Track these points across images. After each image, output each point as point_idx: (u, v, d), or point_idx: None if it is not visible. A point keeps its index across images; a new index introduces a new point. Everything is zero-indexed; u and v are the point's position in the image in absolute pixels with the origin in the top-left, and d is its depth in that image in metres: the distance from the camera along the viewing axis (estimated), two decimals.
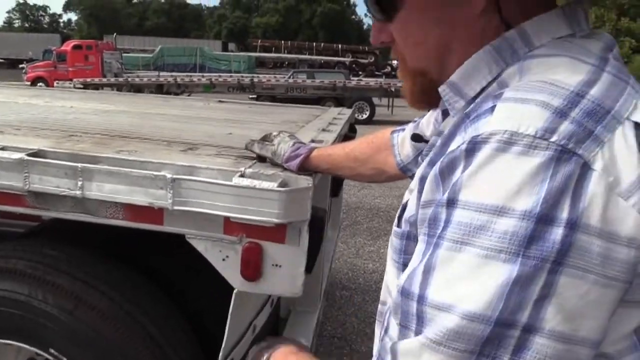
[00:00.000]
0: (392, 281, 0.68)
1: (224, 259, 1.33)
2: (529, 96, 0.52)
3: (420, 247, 0.55)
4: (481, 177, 0.50)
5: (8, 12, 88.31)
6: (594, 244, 0.47)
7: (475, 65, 0.62)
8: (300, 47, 38.82)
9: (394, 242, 0.68)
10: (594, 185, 0.47)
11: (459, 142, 0.54)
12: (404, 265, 0.61)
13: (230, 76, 17.81)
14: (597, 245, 0.47)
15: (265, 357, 0.97)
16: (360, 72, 27.91)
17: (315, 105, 5.06)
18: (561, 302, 0.47)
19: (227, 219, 1.27)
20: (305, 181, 1.28)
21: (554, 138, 0.48)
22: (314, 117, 2.94)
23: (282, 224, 1.25)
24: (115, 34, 30.13)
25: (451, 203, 0.51)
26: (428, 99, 0.71)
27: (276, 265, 1.31)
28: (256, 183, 1.22)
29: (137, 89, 14.94)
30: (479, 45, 0.61)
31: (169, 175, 1.24)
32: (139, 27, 61.87)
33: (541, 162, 0.48)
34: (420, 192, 0.60)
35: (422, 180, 0.60)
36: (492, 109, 0.53)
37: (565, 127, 0.49)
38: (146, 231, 1.35)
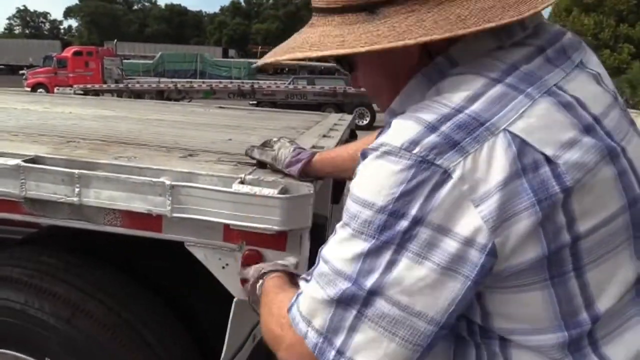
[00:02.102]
0: None
1: (223, 267, 1.30)
2: (414, 113, 0.63)
3: None
4: (360, 177, 0.65)
5: (8, 18, 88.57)
6: (436, 238, 0.58)
7: (408, 92, 0.72)
8: None
9: None
10: (447, 191, 0.58)
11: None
12: None
13: (231, 82, 17.82)
14: (438, 239, 0.58)
15: (259, 283, 0.99)
16: None
17: (316, 112, 5.05)
18: (400, 277, 0.60)
19: (226, 226, 1.25)
20: (306, 188, 1.26)
21: (415, 150, 0.59)
22: (314, 123, 2.93)
23: (282, 232, 1.23)
24: (115, 40, 30.23)
25: (349, 194, 0.67)
26: None
27: None
28: (256, 190, 1.20)
29: (138, 95, 14.93)
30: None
31: (167, 182, 1.22)
32: (140, 34, 62.05)
33: (401, 169, 0.59)
34: None
35: None
36: (388, 126, 0.66)
37: (430, 140, 0.59)
38: (144, 238, 1.33)
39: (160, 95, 15.30)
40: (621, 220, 0.64)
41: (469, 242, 0.58)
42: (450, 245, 0.59)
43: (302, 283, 0.74)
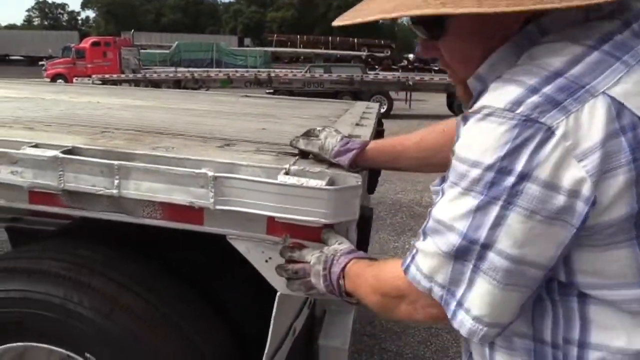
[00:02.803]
0: None
1: (266, 261, 1.26)
2: (513, 77, 0.66)
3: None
4: (464, 139, 0.69)
5: (27, 10, 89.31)
6: (541, 192, 0.62)
7: (497, 58, 0.74)
8: (316, 42, 38.62)
9: (433, 198, 0.84)
10: (552, 147, 0.61)
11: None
12: None
13: (247, 71, 17.74)
14: (544, 193, 0.62)
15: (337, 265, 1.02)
16: (376, 66, 27.69)
17: (338, 100, 4.98)
18: (509, 231, 0.64)
19: (270, 218, 1.21)
20: (354, 179, 1.21)
21: (519, 110, 0.62)
22: (343, 111, 2.87)
23: (329, 224, 1.18)
24: (132, 30, 30.26)
25: (453, 153, 0.71)
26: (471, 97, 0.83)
27: None
28: (303, 181, 1.15)
29: (155, 84, 14.95)
30: None
31: (210, 173, 1.18)
32: (156, 24, 62.16)
33: (505, 129, 0.63)
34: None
35: None
36: (486, 90, 0.69)
37: (532, 100, 0.62)
38: (178, 230, 1.29)
39: (178, 84, 15.32)
40: None
41: (574, 194, 0.61)
42: (556, 198, 0.62)
43: (418, 244, 0.78)
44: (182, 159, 1.25)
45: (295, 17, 54.67)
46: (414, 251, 0.78)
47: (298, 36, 39.68)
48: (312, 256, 1.10)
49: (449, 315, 0.72)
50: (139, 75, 16.82)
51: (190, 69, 19.25)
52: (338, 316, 2.09)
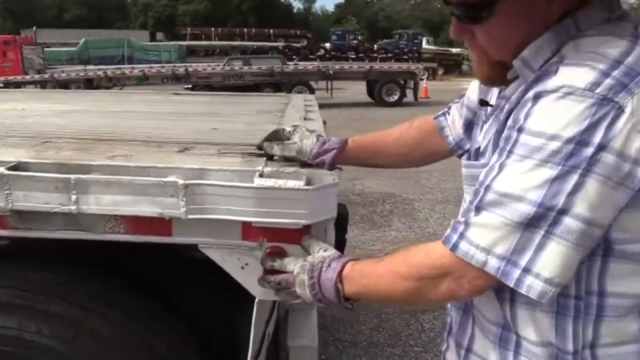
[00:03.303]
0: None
1: (242, 267, 1.21)
2: (582, 62, 0.74)
3: (495, 156, 0.81)
4: (541, 114, 0.74)
5: None
6: (615, 160, 0.71)
7: (541, 45, 0.81)
8: (231, 34, 37.91)
9: (476, 172, 0.88)
10: (623, 123, 0.70)
11: (532, 93, 0.76)
12: None
13: (163, 67, 17.09)
14: (617, 162, 0.71)
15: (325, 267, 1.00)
16: (294, 57, 27.60)
17: (254, 93, 4.91)
18: (585, 196, 0.71)
19: (246, 223, 1.16)
20: (330, 177, 1.18)
21: (598, 90, 0.71)
22: (283, 105, 2.82)
23: (307, 225, 1.15)
24: (35, 27, 28.31)
25: (520, 129, 0.76)
26: (501, 80, 0.91)
27: None
28: (281, 183, 1.11)
29: (64, 85, 14.06)
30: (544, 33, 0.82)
31: (180, 181, 1.11)
32: (58, 20, 58.43)
33: (586, 106, 0.71)
34: (500, 132, 0.84)
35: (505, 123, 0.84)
36: (556, 71, 0.75)
37: (607, 82, 0.71)
38: (144, 243, 1.21)
39: (89, 84, 14.54)
40: None
41: (637, 161, 0.71)
42: (625, 166, 0.71)
43: (472, 219, 0.79)
44: (146, 167, 1.16)
45: (209, 10, 53.36)
46: (461, 227, 0.80)
47: (212, 29, 38.74)
48: (295, 265, 1.05)
49: (512, 284, 0.76)
50: (45, 76, 15.74)
51: (102, 67, 18.31)
52: (301, 314, 2.06)
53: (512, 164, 0.75)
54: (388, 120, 12.02)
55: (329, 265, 0.99)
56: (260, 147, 1.29)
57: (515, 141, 0.76)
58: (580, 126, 0.70)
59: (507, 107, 0.86)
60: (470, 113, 1.15)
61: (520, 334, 0.90)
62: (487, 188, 0.78)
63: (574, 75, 0.73)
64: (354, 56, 30.41)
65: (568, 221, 0.72)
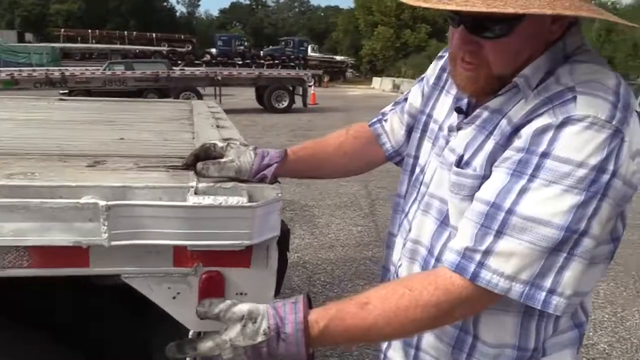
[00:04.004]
0: (454, 213, 0.90)
1: (174, 297, 1.07)
2: (596, 92, 0.79)
3: (504, 176, 0.80)
4: (570, 142, 0.76)
5: None
6: (621, 185, 0.77)
7: (540, 64, 0.85)
8: (110, 37, 35.78)
9: (465, 181, 0.88)
10: (625, 151, 0.77)
11: (551, 117, 0.78)
12: (472, 196, 0.84)
13: (34, 70, 15.66)
14: (622, 186, 0.78)
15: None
16: (179, 62, 26.75)
17: (138, 98, 4.60)
18: (600, 217, 0.77)
19: (178, 248, 1.02)
20: (273, 191, 1.07)
21: (614, 122, 0.77)
22: (187, 112, 2.65)
23: (249, 246, 1.04)
24: None
25: (545, 155, 0.77)
26: (488, 92, 0.89)
27: (241, 293, 1.10)
28: (221, 200, 0.99)
29: None
30: (541, 53, 0.85)
31: (102, 203, 0.94)
32: None
33: (606, 136, 0.76)
34: (504, 146, 0.83)
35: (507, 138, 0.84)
36: (574, 99, 0.79)
37: (618, 114, 0.78)
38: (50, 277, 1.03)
39: None
40: None
41: (630, 184, 0.79)
42: (625, 189, 0.78)
43: (494, 247, 0.78)
44: (56, 187, 0.98)
45: (84, 10, 50.04)
46: (477, 256, 0.79)
47: (89, 31, 36.37)
48: (220, 350, 0.81)
49: (538, 305, 0.78)
50: None
51: None
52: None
53: (537, 189, 0.77)
54: (280, 126, 11.99)
55: (282, 339, 0.80)
56: (188, 166, 1.12)
57: (539, 166, 0.77)
58: (602, 155, 0.76)
59: (504, 121, 0.85)
60: (412, 119, 1.13)
61: (478, 337, 0.91)
62: (510, 212, 0.77)
63: (595, 105, 0.78)
64: (240, 62, 30.19)
65: (586, 242, 0.77)
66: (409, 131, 1.13)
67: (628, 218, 0.91)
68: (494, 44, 0.83)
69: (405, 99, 1.17)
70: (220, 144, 1.12)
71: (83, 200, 0.95)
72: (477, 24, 0.82)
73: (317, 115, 14.98)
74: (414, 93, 1.14)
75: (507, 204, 0.78)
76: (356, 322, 0.81)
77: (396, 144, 1.18)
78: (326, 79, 30.71)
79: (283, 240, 1.14)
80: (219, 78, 15.31)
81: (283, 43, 36.33)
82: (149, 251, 1.01)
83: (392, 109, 1.20)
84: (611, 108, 0.78)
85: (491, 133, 0.87)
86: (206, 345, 0.81)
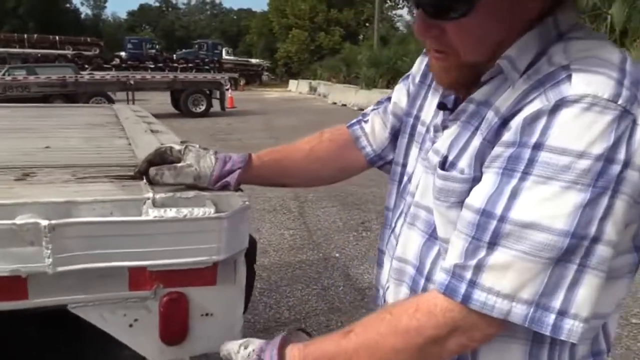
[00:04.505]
0: (442, 224, 0.77)
1: (131, 325, 0.94)
2: (595, 69, 0.66)
3: (494, 177, 0.67)
4: (567, 128, 0.64)
5: None
6: (636, 177, 0.64)
7: (526, 44, 0.73)
8: (8, 40, 33.20)
9: (453, 186, 0.75)
10: (638, 135, 0.64)
11: (543, 101, 0.66)
12: (462, 203, 0.72)
13: None
14: (638, 178, 0.64)
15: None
16: (86, 66, 25.35)
17: (44, 104, 4.26)
18: (615, 219, 0.63)
19: (135, 269, 0.89)
20: (239, 199, 0.97)
21: (620, 101, 0.64)
22: (112, 116, 2.46)
23: (217, 261, 0.93)
24: None
25: (537, 146, 0.64)
26: (465, 82, 0.79)
27: (207, 314, 0.98)
28: (186, 212, 0.87)
29: None
30: (521, 34, 0.73)
31: (44, 222, 0.80)
32: None
33: (612, 119, 0.63)
34: (492, 142, 0.71)
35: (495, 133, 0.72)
36: (569, 77, 0.66)
37: (625, 93, 0.64)
38: None
39: None
40: None
41: None
42: None
43: (486, 260, 0.66)
44: None
45: None
46: (468, 273, 0.66)
47: None
48: None
49: (548, 331, 0.64)
50: None
51: None
52: None
53: (532, 188, 0.64)
54: (198, 131, 11.64)
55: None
56: (142, 173, 0.98)
57: (532, 160, 0.64)
58: (608, 141, 0.62)
59: (490, 113, 0.73)
60: (397, 121, 1.02)
61: None
62: (503, 219, 0.65)
63: (594, 83, 0.65)
64: (152, 66, 29.15)
65: (601, 250, 0.63)
66: (394, 134, 1.04)
67: None
68: (455, 26, 0.73)
69: (389, 99, 1.06)
70: (177, 147, 1.00)
71: (20, 220, 0.80)
72: (434, 5, 0.73)
73: (236, 118, 14.75)
74: (399, 92, 1.03)
75: (498, 210, 0.65)
76: (338, 351, 0.73)
77: (378, 147, 1.07)
78: (242, 82, 30.41)
79: (250, 252, 1.03)
80: (132, 82, 14.67)
81: (196, 46, 35.49)
82: (101, 275, 0.87)
83: (374, 109, 1.10)
84: (615, 85, 0.65)
85: (477, 128, 0.75)
86: None
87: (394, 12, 40.87)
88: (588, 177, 0.62)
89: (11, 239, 0.79)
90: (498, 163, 0.68)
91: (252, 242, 1.04)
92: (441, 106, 0.87)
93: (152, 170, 0.96)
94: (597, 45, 0.71)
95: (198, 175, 0.97)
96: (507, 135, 0.68)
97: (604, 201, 0.63)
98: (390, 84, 18.41)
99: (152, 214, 0.86)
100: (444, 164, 0.78)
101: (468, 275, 0.66)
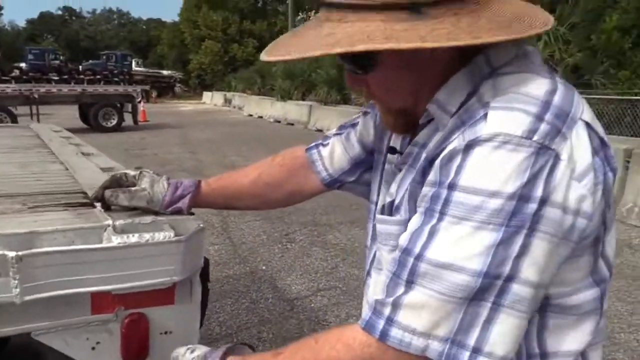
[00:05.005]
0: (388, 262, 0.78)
1: (93, 348, 0.98)
2: (512, 105, 0.67)
3: (419, 217, 0.69)
4: (479, 168, 0.64)
5: None
6: (559, 215, 0.63)
7: (455, 86, 0.74)
8: None
9: (391, 229, 0.80)
10: (561, 172, 0.64)
11: (460, 141, 0.67)
12: None
13: None
14: (561, 216, 0.63)
15: None
16: None
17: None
18: (533, 258, 0.63)
19: (97, 294, 0.94)
20: (195, 223, 1.04)
21: (535, 137, 0.64)
22: (33, 137, 2.40)
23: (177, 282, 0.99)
24: None
25: (452, 186, 0.65)
26: (407, 126, 0.83)
27: (166, 332, 1.04)
28: (147, 237, 0.94)
29: None
30: (442, 78, 0.74)
31: (10, 254, 0.83)
32: None
33: (525, 156, 0.63)
34: (420, 183, 0.73)
35: (422, 174, 0.74)
36: (485, 116, 0.67)
37: (543, 127, 0.64)
38: None
39: None
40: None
41: (578, 212, 0.65)
42: (568, 219, 0.64)
43: (402, 299, 0.66)
44: None
45: None
46: (387, 310, 0.67)
47: None
48: None
49: None
50: None
51: None
52: None
53: (447, 228, 0.65)
54: (111, 146, 11.16)
55: None
56: (98, 198, 1.04)
57: (447, 200, 0.65)
58: (522, 179, 0.62)
59: (424, 155, 0.76)
60: (363, 152, 1.04)
61: None
62: (419, 258, 0.66)
63: (508, 121, 0.65)
64: (57, 78, 27.61)
65: (516, 288, 0.63)
66: (356, 162, 1.06)
67: None
68: (372, 79, 0.77)
69: (353, 125, 1.07)
70: (132, 173, 1.06)
71: None
72: (349, 61, 0.77)
73: (150, 132, 14.35)
74: (366, 124, 1.03)
75: (417, 249, 0.66)
76: None
77: (335, 172, 1.08)
78: (154, 94, 29.56)
79: (204, 271, 1.10)
80: (36, 96, 13.86)
81: (104, 57, 33.99)
82: (65, 302, 0.91)
83: (336, 134, 1.10)
84: (532, 121, 0.65)
85: (415, 170, 0.78)
86: None
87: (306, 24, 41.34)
88: (500, 216, 0.62)
89: None
90: (424, 202, 0.69)
91: (206, 262, 1.11)
92: (391, 150, 0.91)
93: (107, 192, 1.02)
94: (525, 79, 0.70)
95: (151, 199, 1.03)
96: (430, 175, 0.70)
97: (519, 240, 0.63)
98: (305, 95, 18.67)
99: (116, 240, 0.91)
100: (391, 208, 0.82)
101: (386, 312, 0.67)
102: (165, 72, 40.40)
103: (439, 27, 0.66)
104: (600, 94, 10.67)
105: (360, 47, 0.65)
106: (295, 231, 5.23)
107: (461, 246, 0.63)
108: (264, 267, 4.33)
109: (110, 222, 0.96)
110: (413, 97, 0.78)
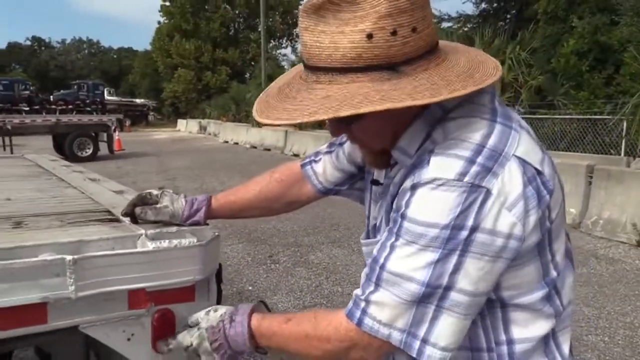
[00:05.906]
0: None
1: (129, 339, 1.15)
2: (449, 151, 0.81)
3: (386, 234, 0.86)
4: (420, 205, 0.81)
5: None
6: (488, 238, 0.78)
7: (413, 132, 0.89)
8: None
9: (373, 250, 0.91)
10: (491, 204, 0.78)
11: (410, 181, 0.84)
12: None
13: None
14: (490, 239, 0.79)
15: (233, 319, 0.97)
16: None
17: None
18: (466, 273, 0.80)
19: (133, 291, 1.12)
20: (210, 231, 1.23)
21: (465, 179, 0.78)
22: (35, 166, 2.55)
23: (199, 280, 1.18)
24: None
25: (403, 216, 0.82)
26: (386, 163, 0.98)
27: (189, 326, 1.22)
28: (175, 242, 1.13)
29: None
30: (411, 119, 0.89)
31: (68, 257, 1.01)
32: None
33: (457, 194, 0.78)
34: (391, 209, 0.92)
35: (392, 204, 0.92)
36: (428, 162, 0.82)
37: (473, 170, 0.78)
38: None
39: None
40: (562, 209, 0.90)
41: (509, 236, 0.80)
42: (497, 241, 0.79)
43: (371, 297, 0.84)
44: (12, 248, 1.02)
45: None
46: (362, 304, 0.85)
47: None
48: (192, 338, 1.01)
49: (414, 354, 0.82)
50: None
51: None
52: None
53: (400, 247, 0.82)
54: None
55: (233, 320, 0.97)
56: (127, 214, 1.22)
57: (401, 226, 0.82)
58: (454, 213, 0.78)
59: (391, 189, 0.94)
60: (355, 168, 1.18)
61: None
62: (382, 267, 0.83)
63: (444, 166, 0.80)
64: (27, 108, 27.42)
65: (454, 296, 0.80)
66: (349, 175, 1.19)
67: None
68: (356, 128, 0.89)
69: (340, 144, 1.19)
70: (155, 192, 1.24)
71: (50, 256, 1.00)
72: (339, 119, 0.83)
73: (127, 161, 14.34)
74: (354, 147, 1.13)
75: (381, 259, 0.83)
76: (280, 332, 0.94)
77: (329, 184, 1.23)
78: (127, 123, 29.47)
79: (218, 274, 1.29)
80: (9, 127, 13.78)
81: (76, 86, 33.82)
82: (107, 298, 1.09)
83: (326, 152, 1.23)
84: (464, 165, 0.79)
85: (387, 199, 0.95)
86: (182, 334, 1.03)
87: (278, 51, 41.91)
88: (437, 242, 0.79)
89: (42, 272, 1.00)
90: (390, 223, 0.87)
91: (220, 266, 1.30)
92: (374, 182, 1.05)
93: (138, 209, 1.21)
94: (466, 124, 0.84)
95: (173, 214, 1.22)
96: (394, 203, 0.89)
97: (453, 259, 0.79)
98: None
99: (151, 245, 1.10)
100: (375, 231, 1.00)
101: (362, 304, 0.85)
102: (138, 101, 40.36)
103: (418, 84, 0.79)
104: (563, 114, 11.18)
105: (365, 110, 0.76)
106: (278, 252, 5.37)
107: (410, 261, 0.81)
108: (250, 288, 4.46)
109: (142, 231, 1.15)
110: (390, 139, 0.91)
